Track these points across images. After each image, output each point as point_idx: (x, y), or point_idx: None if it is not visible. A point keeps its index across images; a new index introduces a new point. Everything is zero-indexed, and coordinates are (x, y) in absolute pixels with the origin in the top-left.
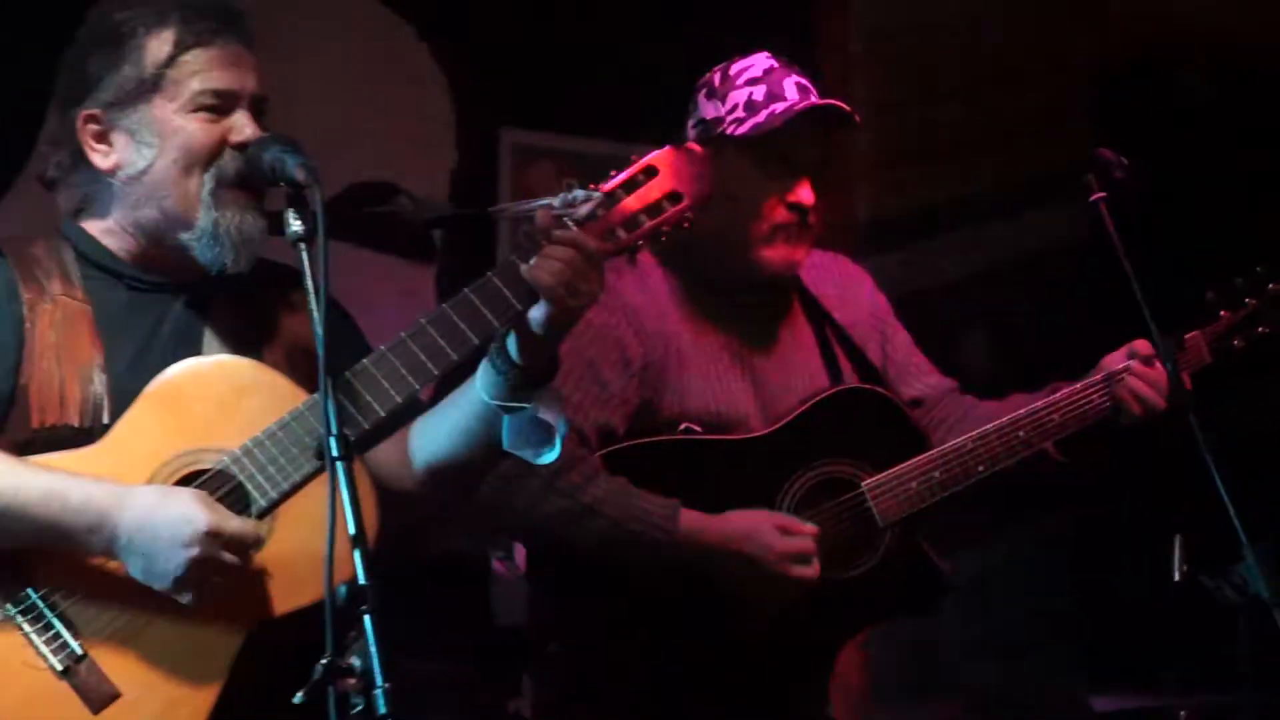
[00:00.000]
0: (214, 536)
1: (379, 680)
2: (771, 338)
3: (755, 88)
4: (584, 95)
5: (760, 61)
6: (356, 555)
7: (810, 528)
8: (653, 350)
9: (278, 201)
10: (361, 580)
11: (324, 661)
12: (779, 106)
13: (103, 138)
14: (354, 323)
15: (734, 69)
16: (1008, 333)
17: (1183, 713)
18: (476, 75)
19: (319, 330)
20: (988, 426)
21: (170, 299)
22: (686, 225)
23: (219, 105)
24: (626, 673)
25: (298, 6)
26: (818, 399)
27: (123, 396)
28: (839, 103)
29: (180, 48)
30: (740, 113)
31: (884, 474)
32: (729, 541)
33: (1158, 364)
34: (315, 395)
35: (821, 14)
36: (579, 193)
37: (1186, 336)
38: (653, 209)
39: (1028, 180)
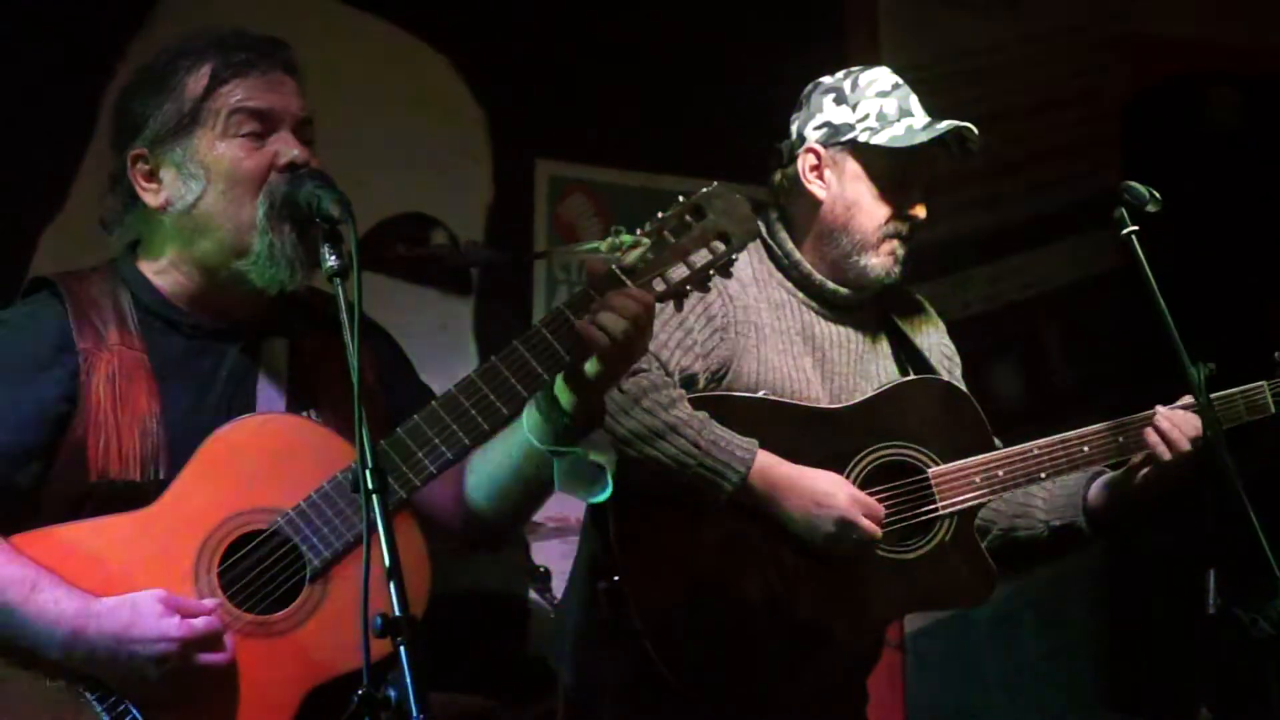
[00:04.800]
0: (188, 646)
1: (415, 712)
2: (847, 341)
3: (886, 100)
4: (619, 127)
5: (885, 76)
6: (391, 588)
7: (879, 506)
8: (735, 313)
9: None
10: (397, 612)
11: (360, 693)
12: (917, 122)
13: (151, 176)
14: (407, 360)
15: (862, 79)
16: (1038, 364)
17: None
18: (512, 108)
19: (353, 363)
20: (1054, 437)
21: (225, 345)
22: (730, 269)
23: (259, 129)
24: (671, 614)
25: (335, 40)
26: (895, 384)
27: (179, 448)
28: (971, 126)
29: (217, 79)
30: (873, 122)
31: (950, 465)
32: (802, 480)
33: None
34: None
35: (852, 49)
36: (626, 238)
37: (1252, 387)
38: (701, 251)
39: (1057, 210)
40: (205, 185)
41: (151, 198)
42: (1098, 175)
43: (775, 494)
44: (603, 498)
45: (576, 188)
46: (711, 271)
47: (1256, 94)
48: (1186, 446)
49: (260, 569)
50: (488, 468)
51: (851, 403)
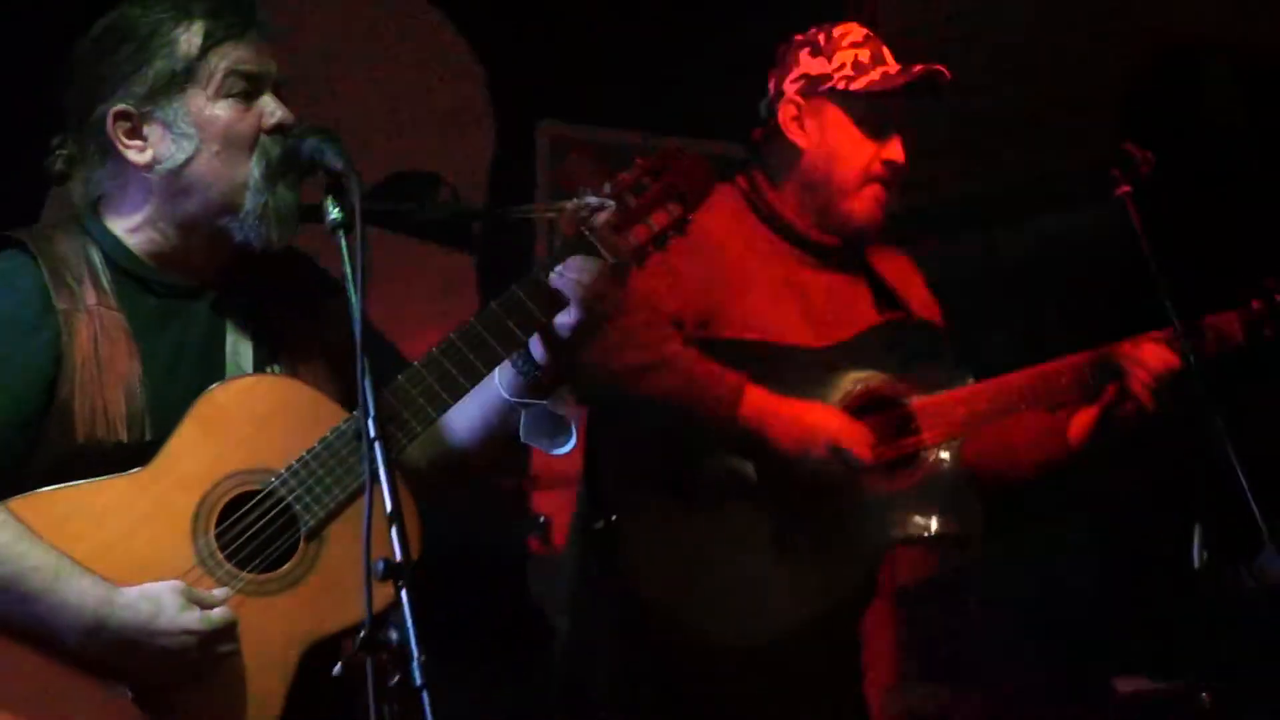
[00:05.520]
0: (206, 638)
1: (415, 653)
2: (831, 288)
3: (860, 50)
4: (618, 88)
5: (856, 28)
6: (394, 532)
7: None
8: (720, 259)
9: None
10: (399, 557)
11: (362, 634)
12: (891, 69)
13: (135, 133)
14: (368, 320)
15: (835, 32)
16: (1032, 326)
17: (1204, 695)
18: (514, 69)
19: (356, 315)
20: (1033, 369)
21: (195, 304)
22: (686, 229)
23: (248, 89)
24: (666, 550)
25: (342, 3)
26: (877, 323)
27: (160, 408)
28: (943, 69)
29: (211, 39)
30: (849, 71)
31: (933, 397)
32: (791, 409)
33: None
34: (355, 412)
35: (850, 12)
36: (592, 199)
37: (1221, 316)
38: (660, 212)
39: (1054, 175)
40: (198, 145)
41: (136, 155)
42: (1096, 142)
43: (766, 424)
44: (565, 449)
45: (577, 148)
46: (670, 232)
47: (1255, 64)
48: (1157, 382)
49: (257, 529)
50: (455, 418)
51: (836, 341)
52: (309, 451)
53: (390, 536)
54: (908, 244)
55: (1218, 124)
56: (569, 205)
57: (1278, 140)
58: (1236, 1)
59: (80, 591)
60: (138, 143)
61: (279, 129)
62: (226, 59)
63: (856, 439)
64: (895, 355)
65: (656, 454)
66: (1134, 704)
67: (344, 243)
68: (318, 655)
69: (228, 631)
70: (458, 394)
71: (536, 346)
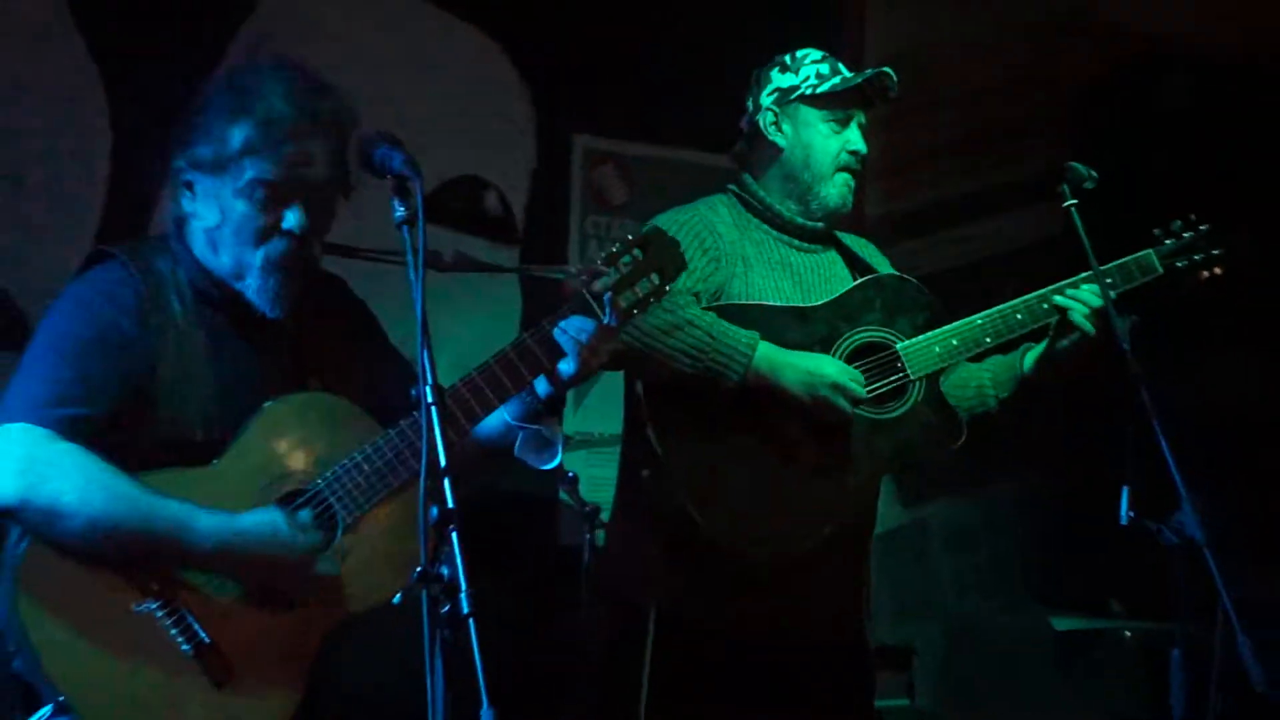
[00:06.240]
0: (306, 566)
1: (463, 586)
2: (817, 266)
3: (820, 65)
4: (644, 106)
5: (814, 50)
6: (445, 483)
7: (859, 374)
8: (725, 247)
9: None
10: (450, 504)
11: (418, 570)
12: (847, 75)
13: (188, 186)
14: (384, 332)
15: (798, 54)
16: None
17: (1127, 633)
18: (554, 86)
19: (418, 299)
20: (992, 309)
21: (252, 322)
22: (663, 297)
23: (269, 197)
24: (706, 481)
25: (403, 27)
26: (858, 282)
27: (229, 413)
28: (889, 70)
29: (249, 147)
30: (814, 80)
31: (913, 339)
32: (796, 360)
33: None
34: (390, 430)
35: (843, 35)
36: (591, 267)
37: (1139, 254)
38: (643, 281)
39: (1015, 182)
40: (220, 222)
41: (186, 204)
42: (1055, 152)
43: (777, 373)
44: (550, 466)
45: (607, 158)
46: (652, 299)
47: (1209, 79)
48: (1097, 302)
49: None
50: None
51: (828, 300)
52: (349, 459)
53: (418, 538)
54: (893, 243)
55: (1172, 129)
56: (573, 270)
57: (1234, 146)
58: (1194, 12)
59: (210, 522)
60: (188, 194)
61: (291, 234)
62: (256, 168)
63: (852, 379)
64: (875, 307)
65: (688, 402)
66: (1068, 639)
67: (407, 236)
68: (343, 634)
69: (320, 553)
70: (475, 421)
71: (539, 384)
